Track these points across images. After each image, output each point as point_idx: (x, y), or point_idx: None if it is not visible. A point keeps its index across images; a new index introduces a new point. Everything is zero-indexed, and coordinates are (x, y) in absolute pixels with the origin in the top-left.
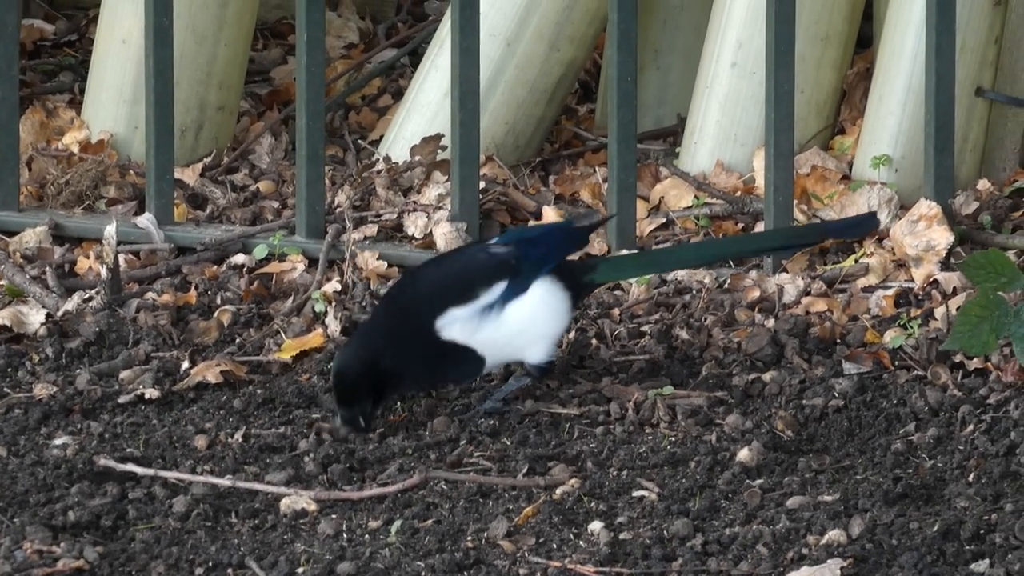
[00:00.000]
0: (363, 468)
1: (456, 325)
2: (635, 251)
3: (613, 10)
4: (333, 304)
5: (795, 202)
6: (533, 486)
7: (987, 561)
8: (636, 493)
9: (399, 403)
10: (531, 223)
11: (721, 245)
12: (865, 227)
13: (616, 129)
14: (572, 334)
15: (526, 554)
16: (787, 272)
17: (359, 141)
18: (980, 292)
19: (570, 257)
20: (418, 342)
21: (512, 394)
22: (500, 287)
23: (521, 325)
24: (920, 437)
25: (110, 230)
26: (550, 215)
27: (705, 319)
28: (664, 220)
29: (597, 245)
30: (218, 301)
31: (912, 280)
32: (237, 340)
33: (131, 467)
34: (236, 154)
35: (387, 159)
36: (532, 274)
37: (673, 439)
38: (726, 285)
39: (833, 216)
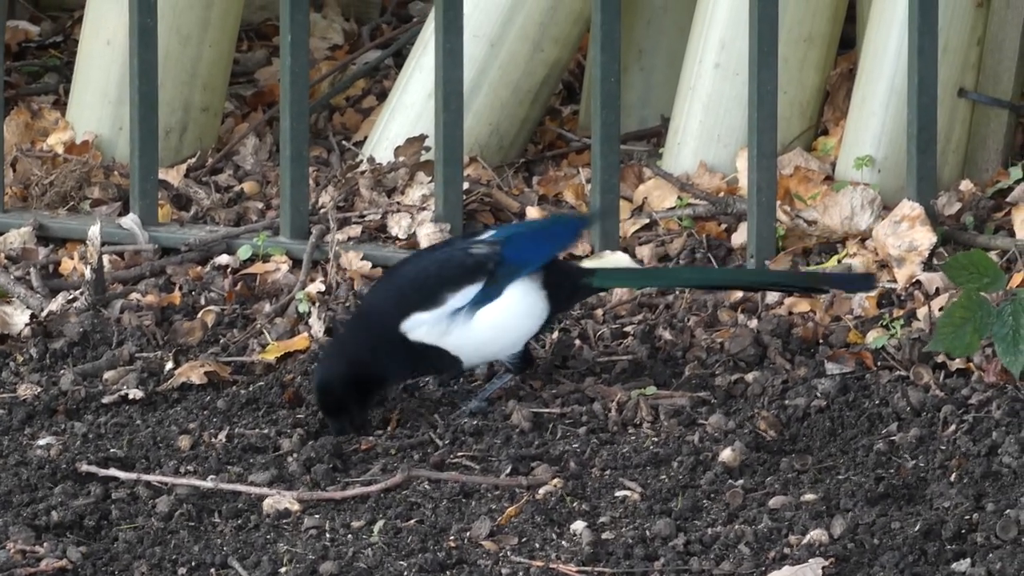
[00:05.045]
0: (346, 468)
1: (422, 328)
2: (636, 266)
3: (596, 11)
4: (317, 304)
5: (778, 203)
6: (516, 486)
7: (968, 560)
8: (619, 493)
9: (389, 403)
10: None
11: (721, 274)
12: (863, 285)
13: (599, 130)
14: (555, 335)
15: (509, 554)
16: None
17: (343, 142)
18: (963, 293)
19: (566, 257)
20: (391, 346)
21: (495, 393)
22: (472, 291)
23: (492, 331)
24: (902, 437)
25: (94, 231)
26: (534, 215)
27: (688, 319)
28: (647, 221)
29: (580, 246)
30: (202, 301)
31: (895, 280)
32: (221, 340)
33: (114, 472)
34: (220, 155)
35: (371, 160)
36: (509, 277)
37: (656, 439)
38: None
39: (815, 216)
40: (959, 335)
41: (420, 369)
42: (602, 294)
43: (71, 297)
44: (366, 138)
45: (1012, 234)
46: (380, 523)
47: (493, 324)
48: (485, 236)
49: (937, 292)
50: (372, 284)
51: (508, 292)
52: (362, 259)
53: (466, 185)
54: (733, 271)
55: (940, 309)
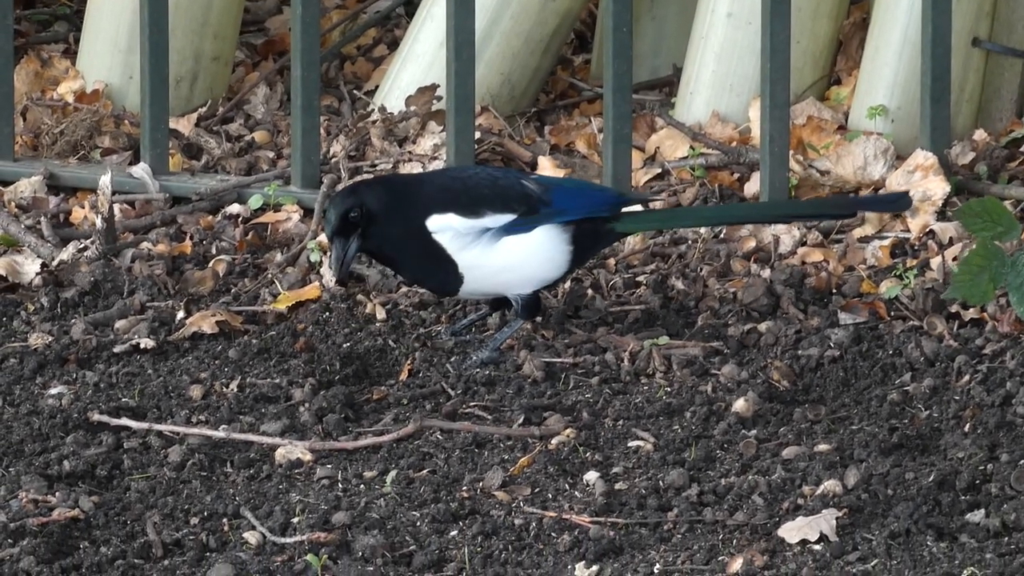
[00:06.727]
0: (358, 418)
1: (448, 233)
2: (658, 208)
3: None
4: (328, 254)
5: (791, 152)
6: (528, 436)
7: (982, 511)
8: (632, 443)
9: (405, 355)
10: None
11: (745, 209)
12: (897, 205)
13: (612, 79)
14: (568, 284)
15: (521, 504)
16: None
17: (354, 91)
18: (980, 241)
19: None
20: (409, 225)
21: (507, 342)
22: (507, 218)
23: (511, 262)
24: (916, 387)
25: (105, 180)
26: (545, 165)
27: (701, 269)
28: (660, 170)
29: None
30: (213, 251)
31: (908, 230)
32: (232, 290)
33: (126, 421)
34: (231, 104)
35: (382, 109)
36: (544, 219)
37: (669, 389)
38: (722, 235)
39: (828, 166)
40: (976, 283)
41: (416, 265)
42: (615, 244)
43: (82, 246)
44: (377, 87)
45: None
46: (392, 473)
47: (514, 256)
48: (535, 176)
49: (951, 242)
50: (419, 174)
51: (538, 231)
52: None
53: (478, 135)
54: (757, 205)
55: (954, 259)
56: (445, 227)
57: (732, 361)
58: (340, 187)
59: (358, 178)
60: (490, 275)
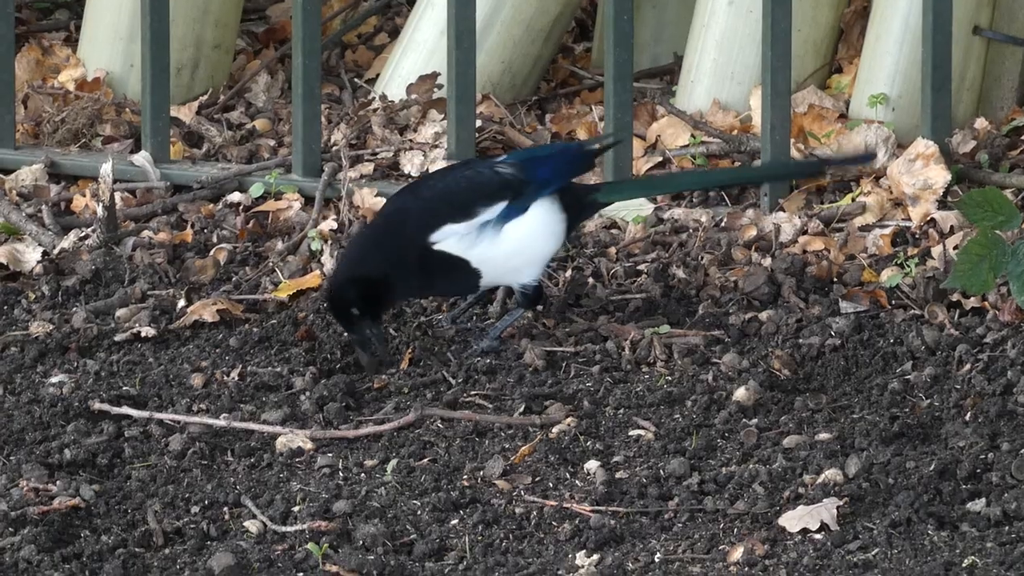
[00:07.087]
0: (359, 406)
1: (452, 240)
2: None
3: None
4: (329, 242)
5: (792, 141)
6: (529, 425)
7: (983, 500)
8: (632, 432)
9: (406, 342)
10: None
11: (722, 174)
12: (863, 161)
13: (613, 67)
14: (569, 272)
15: (522, 493)
16: (784, 211)
17: (355, 80)
18: (980, 230)
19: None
20: (410, 252)
21: (508, 331)
22: (500, 206)
23: (518, 245)
24: (917, 376)
25: (106, 168)
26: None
27: (702, 258)
28: (661, 158)
29: (595, 181)
30: (214, 239)
31: (909, 219)
32: (233, 278)
33: (126, 410)
34: (232, 92)
35: (383, 97)
36: (533, 195)
37: (669, 378)
38: (723, 224)
39: (830, 155)
40: (976, 272)
41: (436, 283)
42: (615, 231)
43: (83, 235)
44: (378, 76)
45: None
46: (393, 462)
47: (519, 238)
48: (503, 158)
49: (952, 230)
50: (393, 196)
51: (533, 209)
52: (375, 196)
53: (478, 123)
54: (734, 169)
55: (955, 248)
56: (448, 235)
57: (733, 350)
58: (328, 282)
59: (342, 252)
60: (503, 262)
